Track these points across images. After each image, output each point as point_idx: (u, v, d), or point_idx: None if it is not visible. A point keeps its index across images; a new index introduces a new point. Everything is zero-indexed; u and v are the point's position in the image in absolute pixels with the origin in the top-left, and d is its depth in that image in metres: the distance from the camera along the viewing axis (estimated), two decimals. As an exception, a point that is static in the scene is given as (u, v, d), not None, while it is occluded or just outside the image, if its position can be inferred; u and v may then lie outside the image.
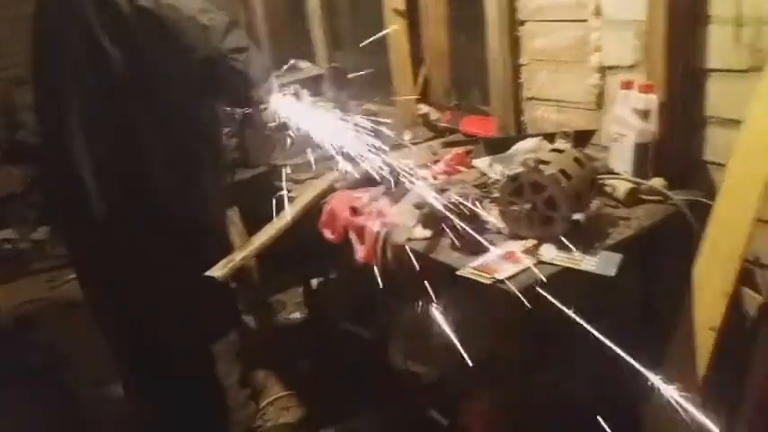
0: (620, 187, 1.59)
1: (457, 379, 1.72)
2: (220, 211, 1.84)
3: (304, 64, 2.79)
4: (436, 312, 1.68)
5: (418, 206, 1.57)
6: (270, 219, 1.86)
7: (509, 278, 1.32)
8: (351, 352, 2.12)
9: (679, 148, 1.68)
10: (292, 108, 1.78)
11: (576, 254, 1.39)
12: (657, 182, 1.62)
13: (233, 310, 1.97)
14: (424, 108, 2.60)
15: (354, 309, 2.16)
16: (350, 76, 2.43)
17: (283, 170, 2.19)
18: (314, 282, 2.40)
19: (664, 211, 1.56)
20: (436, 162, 1.89)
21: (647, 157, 1.66)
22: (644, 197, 1.60)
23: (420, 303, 1.87)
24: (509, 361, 1.56)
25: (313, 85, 2.47)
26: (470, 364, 1.75)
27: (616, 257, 1.38)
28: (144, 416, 1.93)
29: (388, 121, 1.87)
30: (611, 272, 1.34)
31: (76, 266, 1.82)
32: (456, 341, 1.63)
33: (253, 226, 1.94)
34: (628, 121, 1.68)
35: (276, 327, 2.35)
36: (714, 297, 1.43)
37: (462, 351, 1.66)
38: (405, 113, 2.65)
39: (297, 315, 2.60)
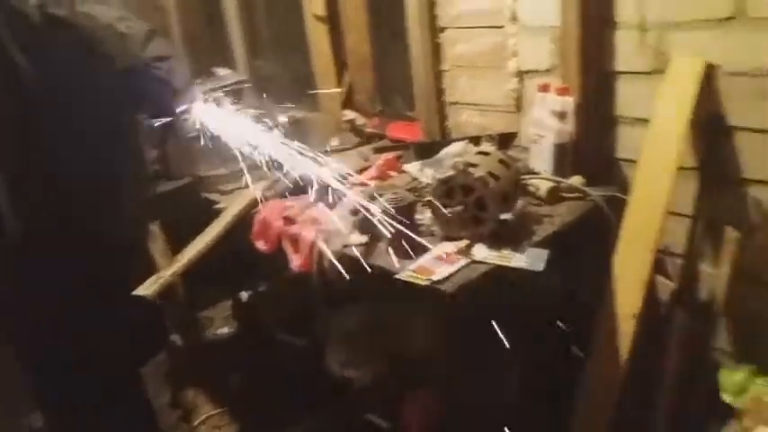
0: (542, 186, 1.67)
1: (395, 381, 1.75)
2: (143, 225, 1.78)
3: (224, 71, 2.73)
4: (373, 316, 1.70)
5: (353, 212, 1.58)
6: (195, 232, 1.81)
7: (445, 279, 1.36)
8: (285, 362, 2.10)
9: (594, 147, 1.78)
10: (215, 116, 1.75)
11: (506, 252, 1.45)
12: (576, 180, 1.70)
13: (161, 330, 1.91)
14: (349, 114, 2.61)
15: (288, 319, 2.15)
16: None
17: (207, 181, 2.15)
18: (243, 294, 2.36)
19: (583, 207, 1.65)
20: (367, 168, 1.91)
21: (566, 157, 1.75)
22: (564, 195, 1.69)
23: (356, 309, 1.89)
24: (446, 360, 1.60)
25: (234, 92, 2.43)
26: (406, 366, 1.79)
27: (543, 253, 1.44)
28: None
29: (315, 126, 1.88)
30: (540, 267, 1.40)
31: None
32: (393, 344, 1.66)
33: (176, 240, 1.89)
34: (546, 123, 1.76)
35: (204, 343, 2.29)
36: (633, 285, 1.52)
37: (400, 353, 1.69)
38: (330, 120, 2.65)
39: (225, 330, 2.55)
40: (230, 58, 3.26)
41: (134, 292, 1.50)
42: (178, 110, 1.60)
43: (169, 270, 1.59)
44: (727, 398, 1.51)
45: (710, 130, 1.55)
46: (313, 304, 1.95)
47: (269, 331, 2.17)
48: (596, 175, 1.75)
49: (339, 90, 2.72)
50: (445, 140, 1.91)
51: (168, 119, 1.80)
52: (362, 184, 1.66)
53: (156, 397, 1.81)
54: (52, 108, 1.48)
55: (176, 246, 1.91)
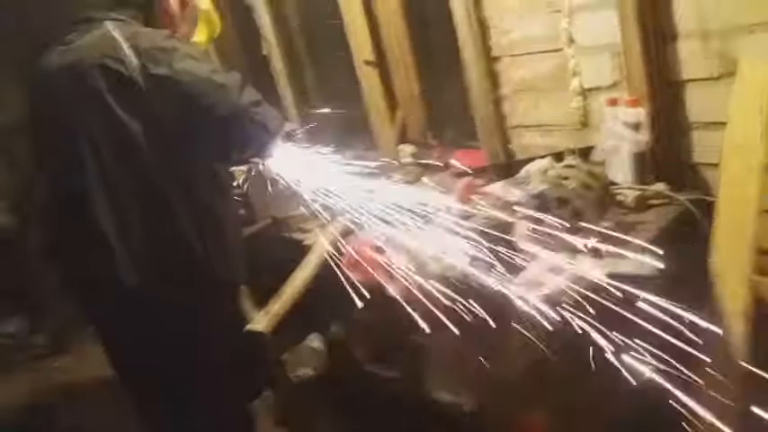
0: (629, 195, 1.71)
1: (499, 402, 1.76)
2: (245, 266, 1.83)
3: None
4: (473, 339, 1.72)
5: (447, 236, 1.63)
6: (277, 271, 1.87)
7: (556, 291, 1.40)
8: (379, 394, 2.11)
9: (671, 154, 1.82)
10: (292, 159, 1.82)
11: (610, 260, 1.48)
12: (660, 186, 1.75)
13: (268, 365, 1.95)
14: (406, 149, 2.69)
15: (378, 350, 2.17)
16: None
17: (287, 222, 2.22)
18: (332, 329, 2.38)
19: (673, 212, 1.69)
20: (447, 195, 1.96)
21: (645, 165, 1.80)
22: (651, 202, 1.73)
23: (455, 333, 1.91)
24: (556, 376, 1.61)
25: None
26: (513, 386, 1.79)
27: (647, 258, 1.47)
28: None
29: (381, 162, 1.94)
30: (648, 271, 1.43)
31: (104, 340, 1.76)
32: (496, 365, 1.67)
33: (257, 280, 1.94)
34: (621, 135, 1.81)
35: (297, 383, 2.32)
36: (737, 284, 1.54)
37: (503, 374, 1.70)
38: (389, 157, 2.73)
39: (307, 371, 2.56)
40: (280, 107, 3.37)
41: (247, 328, 1.55)
42: (274, 151, 1.67)
43: (275, 304, 1.64)
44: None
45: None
46: (405, 332, 1.97)
47: (357, 365, 2.20)
48: (676, 181, 1.79)
49: (393, 128, 2.81)
50: (526, 159, 1.97)
51: (251, 163, 1.88)
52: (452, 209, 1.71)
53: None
54: (162, 163, 1.56)
55: (258, 286, 1.98)
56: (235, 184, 2.13)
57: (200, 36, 2.09)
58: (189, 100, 1.53)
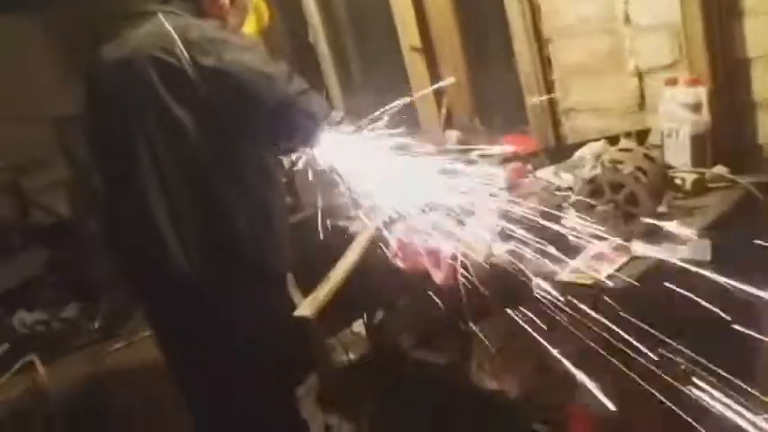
0: (688, 178, 1.64)
1: (552, 389, 1.72)
2: (291, 254, 1.84)
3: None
4: (519, 326, 1.69)
5: (494, 221, 1.60)
6: (323, 258, 1.86)
7: (611, 276, 1.35)
8: (425, 381, 2.10)
9: (733, 135, 1.74)
10: (339, 147, 1.81)
11: (667, 245, 1.42)
12: (720, 169, 1.67)
13: (313, 350, 1.96)
14: (453, 135, 2.65)
15: (424, 337, 2.16)
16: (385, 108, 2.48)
17: (331, 210, 2.21)
18: (377, 315, 2.39)
19: (733, 196, 1.60)
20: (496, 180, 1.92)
21: (704, 147, 1.72)
22: (710, 186, 1.65)
23: (501, 320, 1.88)
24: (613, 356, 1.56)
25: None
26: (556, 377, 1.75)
27: (706, 243, 1.41)
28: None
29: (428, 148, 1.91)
30: (707, 257, 1.37)
31: (155, 327, 1.80)
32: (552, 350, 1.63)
33: (304, 267, 1.95)
34: (679, 116, 1.74)
35: (342, 367, 2.33)
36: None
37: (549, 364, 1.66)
38: (436, 143, 2.70)
39: (350, 356, 2.57)
40: (326, 96, 3.38)
41: (295, 313, 1.56)
42: (321, 139, 1.67)
43: (322, 290, 1.64)
44: None
45: None
46: (450, 319, 1.96)
47: (403, 351, 2.19)
48: (738, 163, 1.71)
49: (440, 114, 2.77)
50: (578, 143, 1.91)
51: (299, 151, 1.89)
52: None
53: (312, 420, 1.84)
54: (213, 153, 1.57)
55: (300, 275, 1.98)
56: (281, 172, 2.14)
57: (250, 27, 2.10)
58: (238, 90, 1.53)
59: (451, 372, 2.01)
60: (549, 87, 2.20)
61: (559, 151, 1.94)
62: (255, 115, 1.55)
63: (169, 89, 1.54)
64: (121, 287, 1.88)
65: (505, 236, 1.60)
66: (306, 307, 1.59)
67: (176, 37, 1.52)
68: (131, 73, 1.57)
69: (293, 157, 2.12)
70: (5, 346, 3.48)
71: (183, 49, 1.51)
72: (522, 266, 1.51)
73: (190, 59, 1.52)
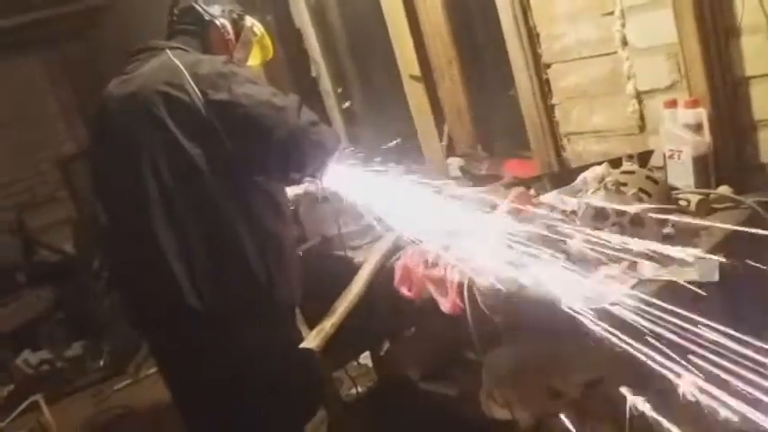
0: (692, 199, 1.63)
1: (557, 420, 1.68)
2: (301, 286, 1.83)
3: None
4: (529, 354, 1.66)
5: (501, 246, 1.58)
6: (328, 289, 1.85)
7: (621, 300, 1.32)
8: (433, 413, 2.06)
9: (735, 155, 1.73)
10: (346, 177, 1.81)
11: (674, 267, 1.40)
12: (724, 189, 1.66)
13: (321, 384, 1.93)
14: (455, 162, 2.66)
15: (430, 367, 2.12)
16: (392, 143, 2.51)
17: (336, 240, 2.21)
18: (383, 347, 2.36)
19: (739, 216, 1.59)
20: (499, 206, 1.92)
21: (707, 168, 1.71)
22: (715, 206, 1.64)
23: (510, 348, 1.85)
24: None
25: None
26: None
27: (714, 263, 1.38)
28: None
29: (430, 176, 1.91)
30: (715, 277, 1.35)
31: (161, 363, 1.79)
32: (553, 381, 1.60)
33: (309, 298, 1.93)
34: (681, 137, 1.73)
35: (351, 401, 2.29)
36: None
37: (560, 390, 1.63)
38: (438, 170, 2.70)
39: (359, 389, 2.54)
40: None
41: (300, 346, 1.54)
42: (330, 169, 1.67)
43: (329, 322, 1.63)
44: None
45: None
46: (458, 349, 1.93)
47: (410, 383, 2.15)
48: (742, 183, 1.70)
49: (441, 142, 2.78)
50: (581, 167, 1.91)
51: (308, 181, 1.88)
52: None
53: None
54: (223, 185, 1.58)
55: (307, 304, 1.96)
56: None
57: (255, 60, 2.13)
58: (249, 123, 1.55)
59: (461, 402, 1.98)
60: (549, 112, 2.21)
61: (562, 175, 1.93)
62: (267, 147, 1.56)
63: (178, 123, 1.56)
64: (127, 323, 1.85)
65: (512, 261, 1.59)
66: (312, 340, 1.57)
67: (185, 72, 1.54)
68: (140, 107, 1.59)
69: (299, 187, 2.13)
70: (10, 386, 3.46)
71: (192, 83, 1.53)
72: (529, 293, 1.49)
73: (200, 94, 1.54)
